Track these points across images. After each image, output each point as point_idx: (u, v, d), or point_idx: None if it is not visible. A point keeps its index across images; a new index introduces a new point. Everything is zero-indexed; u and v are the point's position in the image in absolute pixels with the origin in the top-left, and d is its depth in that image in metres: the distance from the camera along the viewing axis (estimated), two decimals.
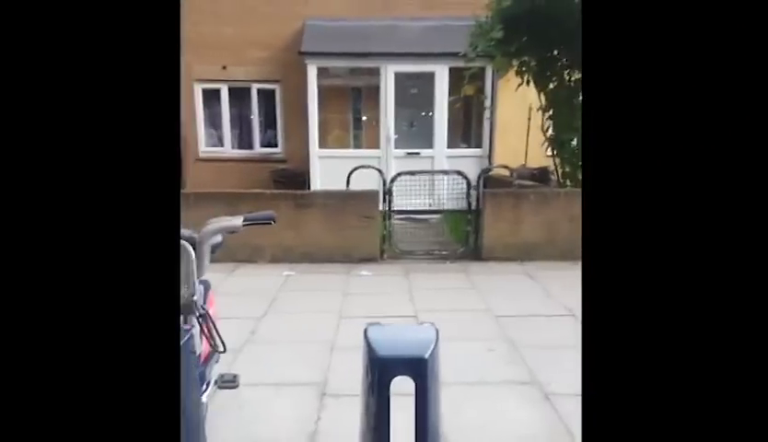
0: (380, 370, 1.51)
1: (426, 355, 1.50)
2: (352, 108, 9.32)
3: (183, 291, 1.43)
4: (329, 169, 7.92)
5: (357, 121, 9.30)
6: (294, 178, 8.40)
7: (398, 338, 1.60)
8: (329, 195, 5.63)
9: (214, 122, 9.34)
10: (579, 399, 2.50)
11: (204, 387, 1.91)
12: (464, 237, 5.65)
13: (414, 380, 1.49)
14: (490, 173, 7.06)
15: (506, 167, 6.84)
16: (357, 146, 8.99)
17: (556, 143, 6.21)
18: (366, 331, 1.66)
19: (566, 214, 5.33)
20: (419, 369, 1.49)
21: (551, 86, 6.13)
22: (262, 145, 9.39)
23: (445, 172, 6.29)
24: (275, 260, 5.26)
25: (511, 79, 6.46)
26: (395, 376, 1.49)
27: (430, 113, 8.21)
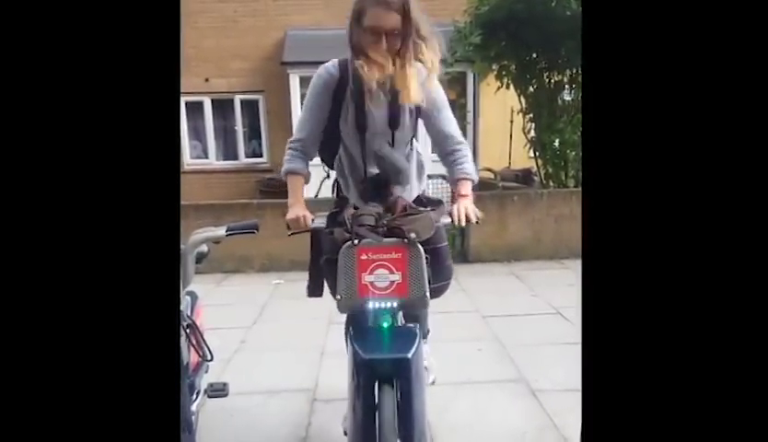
0: (366, 372, 1.54)
1: (410, 355, 1.54)
2: None
3: None
4: (315, 177, 7.91)
5: None
6: (280, 187, 8.38)
7: (381, 340, 1.64)
8: (315, 203, 5.64)
9: (198, 134, 9.33)
10: (565, 395, 2.55)
11: (194, 396, 1.93)
12: (451, 240, 5.69)
13: (399, 380, 1.53)
14: None
15: (490, 169, 6.90)
16: None
17: (538, 144, 6.28)
18: (350, 335, 1.70)
19: (550, 214, 5.40)
20: (403, 369, 1.53)
21: (531, 89, 6.21)
22: (247, 156, 9.40)
23: (429, 176, 6.32)
24: (264, 269, 5.27)
25: (492, 83, 6.52)
26: (380, 376, 1.53)
27: None
